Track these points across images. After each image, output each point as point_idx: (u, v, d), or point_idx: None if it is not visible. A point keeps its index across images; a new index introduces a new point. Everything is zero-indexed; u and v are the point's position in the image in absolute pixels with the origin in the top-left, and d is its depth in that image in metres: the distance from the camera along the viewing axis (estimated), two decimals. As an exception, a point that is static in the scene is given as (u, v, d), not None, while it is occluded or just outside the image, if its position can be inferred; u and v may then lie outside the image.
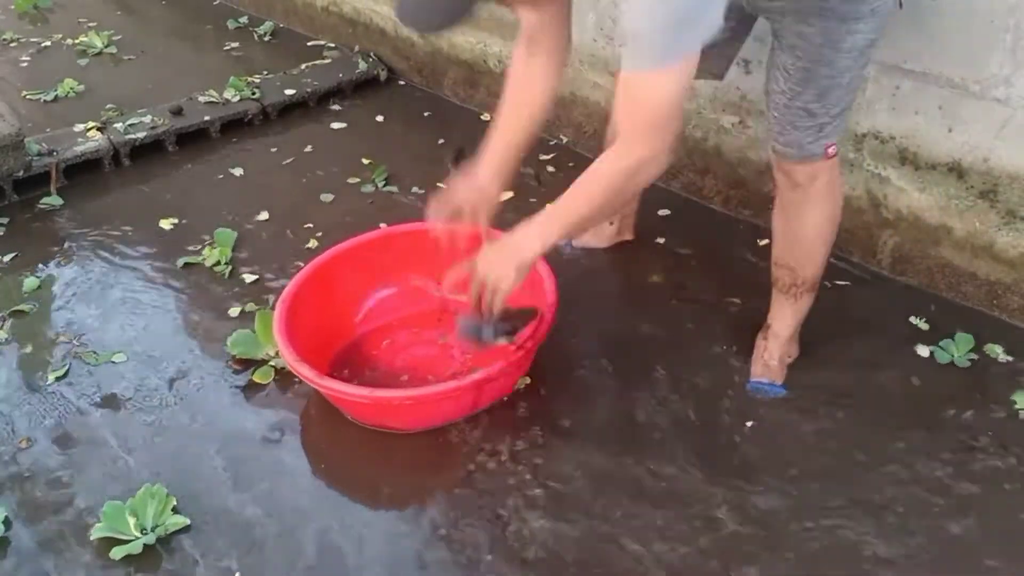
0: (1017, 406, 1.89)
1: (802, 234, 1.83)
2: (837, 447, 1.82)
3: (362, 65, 3.58)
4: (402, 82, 3.60)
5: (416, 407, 1.85)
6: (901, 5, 1.63)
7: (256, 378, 2.06)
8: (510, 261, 1.58)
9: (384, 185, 2.84)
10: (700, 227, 2.54)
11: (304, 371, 1.80)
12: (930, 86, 2.06)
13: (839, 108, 1.67)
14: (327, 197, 2.80)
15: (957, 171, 2.09)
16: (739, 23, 1.78)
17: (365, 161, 2.96)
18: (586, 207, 1.53)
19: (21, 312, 2.33)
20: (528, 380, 2.01)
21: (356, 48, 3.74)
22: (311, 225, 2.64)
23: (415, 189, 2.81)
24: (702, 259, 2.41)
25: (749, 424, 1.88)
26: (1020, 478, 1.73)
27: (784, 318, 1.96)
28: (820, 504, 1.70)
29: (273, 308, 1.98)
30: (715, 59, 1.82)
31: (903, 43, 2.06)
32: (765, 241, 2.39)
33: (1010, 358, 2.01)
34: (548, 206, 1.59)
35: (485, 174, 1.80)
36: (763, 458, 1.80)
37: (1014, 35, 1.88)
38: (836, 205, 1.82)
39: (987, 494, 1.71)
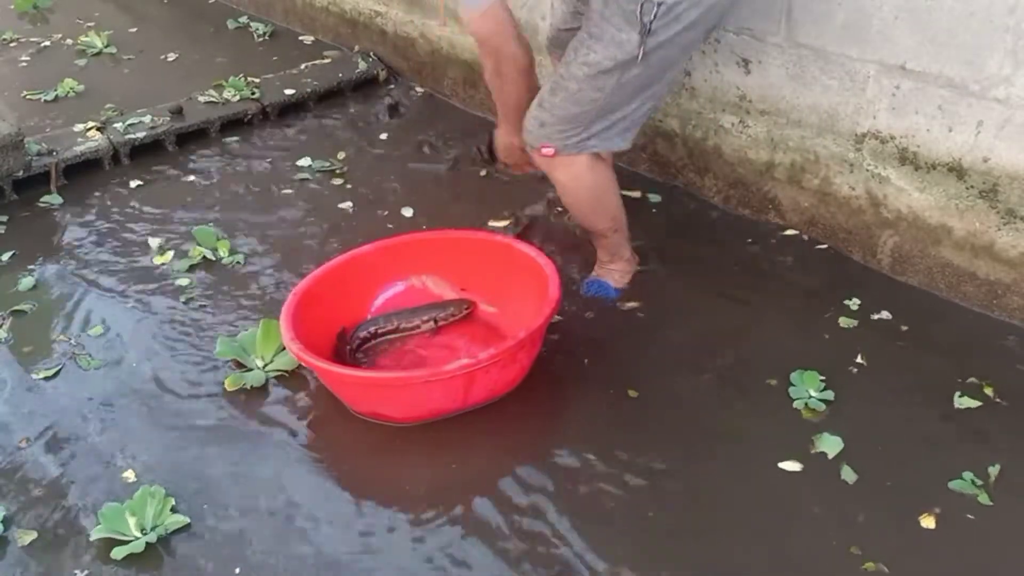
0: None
1: (568, 204, 2.21)
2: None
3: (362, 65, 3.58)
4: (402, 82, 3.60)
5: (404, 390, 1.86)
6: (638, 59, 1.86)
7: (251, 383, 2.05)
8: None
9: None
10: (701, 225, 2.55)
11: (295, 349, 1.86)
12: (930, 86, 2.06)
13: (560, 113, 1.95)
14: (315, 197, 2.82)
15: (957, 171, 2.09)
16: None
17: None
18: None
19: (20, 312, 2.33)
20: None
21: (356, 48, 3.74)
22: (310, 226, 2.65)
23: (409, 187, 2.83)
24: (702, 256, 2.41)
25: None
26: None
27: (599, 249, 2.29)
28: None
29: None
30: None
31: (903, 43, 2.07)
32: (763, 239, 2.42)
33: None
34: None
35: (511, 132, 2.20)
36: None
37: (1014, 35, 1.89)
38: (585, 190, 2.10)
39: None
